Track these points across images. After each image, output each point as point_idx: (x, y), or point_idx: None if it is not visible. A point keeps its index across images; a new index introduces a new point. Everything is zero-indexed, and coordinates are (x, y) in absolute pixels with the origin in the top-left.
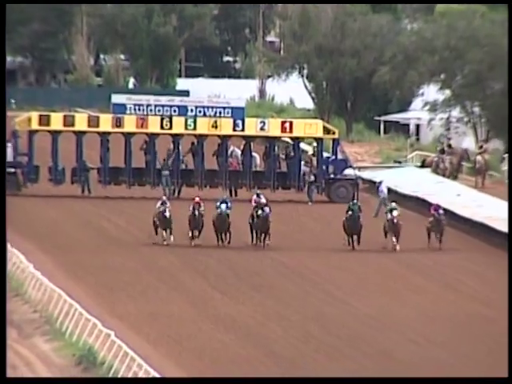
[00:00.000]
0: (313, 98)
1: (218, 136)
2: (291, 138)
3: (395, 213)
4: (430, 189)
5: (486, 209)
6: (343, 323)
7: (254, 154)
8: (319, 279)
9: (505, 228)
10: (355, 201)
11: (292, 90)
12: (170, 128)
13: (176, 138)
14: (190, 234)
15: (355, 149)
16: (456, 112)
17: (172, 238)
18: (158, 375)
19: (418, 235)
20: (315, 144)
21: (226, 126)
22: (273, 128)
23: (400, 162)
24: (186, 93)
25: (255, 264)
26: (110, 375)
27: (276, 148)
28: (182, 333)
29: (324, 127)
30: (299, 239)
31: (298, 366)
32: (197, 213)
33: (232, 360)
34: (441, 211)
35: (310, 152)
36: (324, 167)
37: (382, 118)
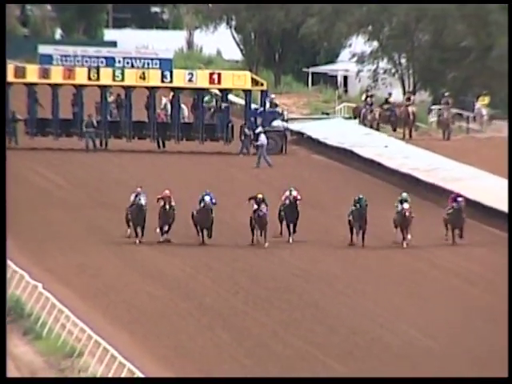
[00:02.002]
0: (241, 50)
1: (146, 87)
2: (219, 90)
3: (406, 205)
4: (357, 140)
5: (413, 160)
6: (272, 275)
7: (182, 105)
8: (249, 231)
9: (431, 179)
10: (361, 195)
11: (220, 41)
12: (98, 79)
13: (103, 89)
14: (159, 230)
15: (283, 100)
16: (383, 63)
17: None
18: (84, 326)
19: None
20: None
21: (153, 78)
22: (201, 80)
23: (328, 114)
24: (113, 44)
25: (187, 217)
26: (37, 327)
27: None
28: (109, 285)
29: (252, 79)
30: (227, 190)
31: (226, 317)
32: (167, 207)
33: (160, 312)
34: (460, 199)
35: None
36: (252, 119)
37: (310, 70)
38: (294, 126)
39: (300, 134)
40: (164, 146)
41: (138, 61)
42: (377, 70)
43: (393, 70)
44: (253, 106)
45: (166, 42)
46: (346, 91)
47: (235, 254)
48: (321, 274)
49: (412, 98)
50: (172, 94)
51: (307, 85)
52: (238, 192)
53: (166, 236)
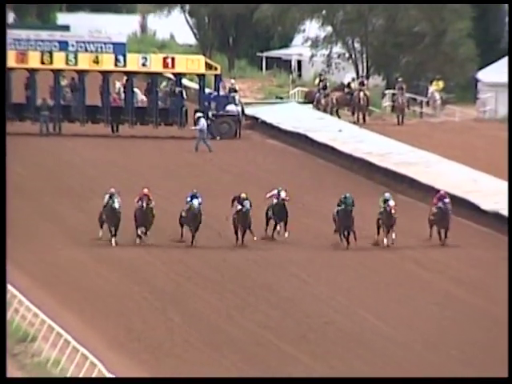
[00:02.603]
0: (195, 34)
1: (100, 72)
2: (173, 74)
3: (392, 202)
4: (311, 125)
5: (367, 144)
6: (225, 259)
7: (135, 90)
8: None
9: (384, 163)
10: (348, 194)
11: (174, 25)
12: (51, 63)
13: (57, 73)
14: (138, 231)
15: (238, 85)
16: (337, 48)
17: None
18: (38, 311)
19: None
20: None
21: (107, 62)
22: (155, 64)
23: (282, 98)
24: (66, 28)
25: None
26: None
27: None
28: (64, 270)
29: (206, 63)
30: (182, 175)
31: (179, 301)
32: (145, 206)
33: (114, 296)
34: (447, 200)
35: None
36: (206, 103)
37: (264, 54)
38: (249, 111)
39: (254, 118)
40: (117, 130)
41: (91, 45)
42: (330, 54)
43: (346, 55)
44: (207, 90)
45: (119, 26)
46: (299, 76)
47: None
48: (275, 258)
49: (365, 82)
50: (126, 78)
51: (261, 69)
52: (192, 176)
53: (144, 238)
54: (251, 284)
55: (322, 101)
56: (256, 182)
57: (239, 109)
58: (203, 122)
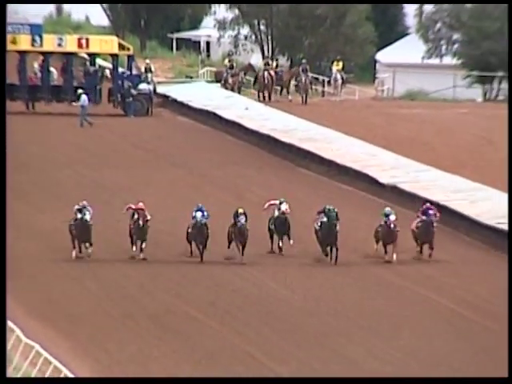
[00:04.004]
0: (108, 16)
1: (17, 51)
2: (88, 54)
3: (392, 217)
4: (219, 103)
5: (272, 122)
6: None
7: (51, 69)
8: (117, 188)
9: (288, 139)
10: (331, 207)
11: (88, 7)
12: None
13: None
14: (134, 247)
15: (151, 65)
16: (244, 30)
17: (91, 250)
18: None
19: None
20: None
21: (24, 42)
22: (70, 44)
23: (191, 78)
24: None
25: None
26: None
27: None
28: None
29: (119, 44)
30: (96, 151)
31: (95, 270)
32: (141, 221)
33: (31, 265)
34: (431, 212)
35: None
36: (120, 82)
37: (175, 36)
38: (160, 89)
39: (165, 96)
40: (34, 107)
41: (9, 26)
42: (238, 36)
43: (253, 37)
44: (120, 69)
45: (35, 8)
46: (208, 56)
47: (101, 209)
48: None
49: (270, 62)
50: (42, 57)
51: (172, 50)
52: (107, 152)
53: (141, 255)
54: (163, 254)
55: (230, 80)
56: (168, 158)
57: (151, 87)
58: (84, 98)
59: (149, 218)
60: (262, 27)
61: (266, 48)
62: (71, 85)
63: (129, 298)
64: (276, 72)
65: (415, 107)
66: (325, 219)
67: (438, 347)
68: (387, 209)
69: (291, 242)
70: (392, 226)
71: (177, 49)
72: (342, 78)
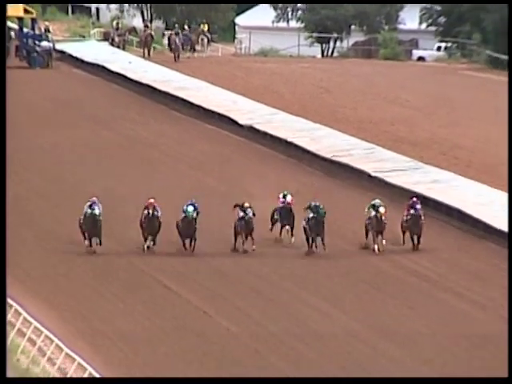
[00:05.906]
0: None
1: None
2: None
3: (382, 209)
4: (107, 58)
5: (151, 73)
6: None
7: None
8: (63, 152)
9: (165, 88)
10: (318, 203)
11: None
12: None
13: None
14: (147, 242)
15: (50, 26)
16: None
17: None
18: None
19: None
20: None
21: None
22: None
23: (84, 37)
24: None
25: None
26: None
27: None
28: None
29: (24, 9)
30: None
31: (34, 218)
32: (151, 215)
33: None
34: (418, 206)
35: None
36: (25, 40)
37: (70, 3)
38: (58, 46)
39: (62, 52)
40: None
41: None
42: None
43: (135, 4)
44: (25, 29)
45: None
46: (98, 19)
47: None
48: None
49: (149, 25)
50: None
51: (67, 14)
52: (16, 104)
53: (152, 247)
54: (110, 212)
55: (116, 39)
56: (68, 105)
57: (51, 45)
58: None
59: (159, 212)
60: None
61: (145, 13)
62: None
63: (104, 264)
64: (186, 34)
65: (267, 62)
66: (311, 215)
67: None
68: (377, 200)
69: (292, 239)
70: (383, 217)
71: (72, 13)
72: (208, 38)
